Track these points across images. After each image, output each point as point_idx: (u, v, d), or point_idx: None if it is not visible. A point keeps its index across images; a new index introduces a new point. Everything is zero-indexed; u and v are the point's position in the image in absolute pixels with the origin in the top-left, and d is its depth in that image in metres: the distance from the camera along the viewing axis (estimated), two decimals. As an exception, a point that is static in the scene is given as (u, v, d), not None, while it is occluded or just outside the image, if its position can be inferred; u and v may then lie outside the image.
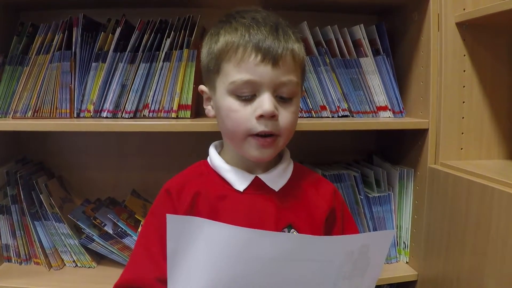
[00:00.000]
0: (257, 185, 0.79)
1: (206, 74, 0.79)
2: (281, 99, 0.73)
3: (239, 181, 0.79)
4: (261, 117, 0.70)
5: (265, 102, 0.70)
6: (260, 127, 0.71)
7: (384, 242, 0.68)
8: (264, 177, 0.80)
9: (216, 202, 0.78)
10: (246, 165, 0.80)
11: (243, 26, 0.72)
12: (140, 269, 0.76)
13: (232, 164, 0.80)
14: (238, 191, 0.78)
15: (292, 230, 0.79)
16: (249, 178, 0.79)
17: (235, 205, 0.78)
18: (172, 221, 0.60)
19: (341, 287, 0.64)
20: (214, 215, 0.77)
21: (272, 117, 0.71)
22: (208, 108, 0.81)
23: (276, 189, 0.80)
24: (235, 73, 0.71)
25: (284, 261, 0.60)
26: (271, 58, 0.69)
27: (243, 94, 0.71)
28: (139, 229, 1.10)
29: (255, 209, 0.78)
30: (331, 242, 0.63)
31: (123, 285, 0.77)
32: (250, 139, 0.73)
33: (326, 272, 0.62)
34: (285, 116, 0.73)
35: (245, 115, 0.71)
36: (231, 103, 0.72)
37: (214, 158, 0.82)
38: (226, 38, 0.72)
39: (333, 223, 0.85)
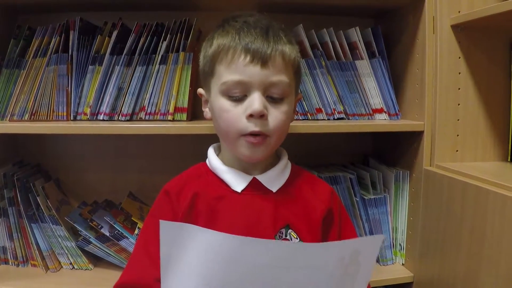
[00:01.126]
0: (254, 186, 0.80)
1: (203, 77, 0.82)
2: (272, 100, 0.74)
3: (237, 182, 0.80)
4: (251, 116, 0.72)
5: (255, 101, 0.71)
6: (250, 127, 0.72)
7: (374, 247, 0.67)
8: (261, 178, 0.80)
9: (214, 203, 0.79)
10: (243, 166, 0.81)
11: (234, 29, 0.74)
12: (140, 270, 0.77)
13: (230, 165, 0.81)
14: (236, 192, 0.79)
15: (290, 230, 0.79)
16: (247, 179, 0.80)
17: (233, 206, 0.78)
18: (165, 227, 0.59)
19: None
20: (212, 215, 0.78)
21: (261, 116, 0.72)
22: (206, 111, 0.83)
23: (274, 190, 0.81)
24: (226, 74, 0.73)
25: (276, 268, 0.60)
26: (260, 58, 0.71)
27: (234, 95, 0.73)
28: (136, 231, 1.11)
29: (253, 210, 0.78)
30: (322, 249, 0.62)
31: (123, 285, 0.78)
32: (242, 139, 0.74)
33: (318, 278, 0.62)
34: (275, 115, 0.74)
35: (236, 115, 0.73)
36: (223, 103, 0.74)
37: (212, 159, 0.84)
38: (218, 41, 0.75)
39: (331, 224, 0.85)
